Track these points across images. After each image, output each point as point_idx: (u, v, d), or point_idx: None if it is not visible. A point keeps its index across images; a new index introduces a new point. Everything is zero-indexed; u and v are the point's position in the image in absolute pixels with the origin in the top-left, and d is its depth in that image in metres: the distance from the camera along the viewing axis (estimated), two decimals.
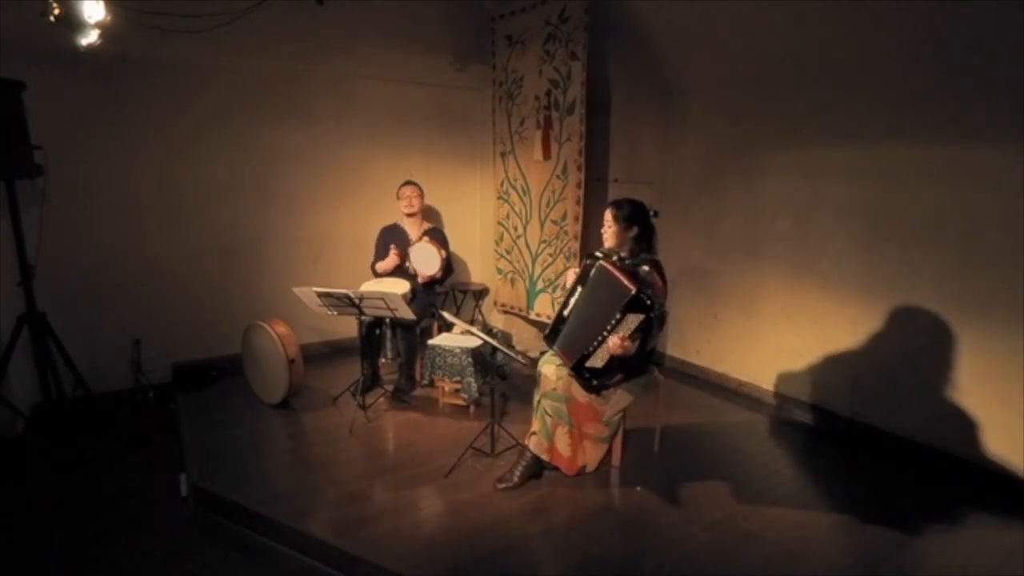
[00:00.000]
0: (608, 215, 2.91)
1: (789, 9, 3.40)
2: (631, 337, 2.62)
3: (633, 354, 2.69)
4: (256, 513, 2.73)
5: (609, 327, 2.64)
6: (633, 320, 2.61)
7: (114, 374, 4.02)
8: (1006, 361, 2.96)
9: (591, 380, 2.79)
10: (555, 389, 2.89)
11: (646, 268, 2.80)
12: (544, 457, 2.96)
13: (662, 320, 2.74)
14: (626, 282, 2.61)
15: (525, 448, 3.01)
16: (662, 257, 2.95)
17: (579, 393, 2.88)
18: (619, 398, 2.92)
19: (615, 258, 2.90)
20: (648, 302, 2.59)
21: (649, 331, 2.67)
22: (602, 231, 2.96)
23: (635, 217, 2.88)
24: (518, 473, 2.95)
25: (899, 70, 3.20)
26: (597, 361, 2.73)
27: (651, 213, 2.97)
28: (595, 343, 2.70)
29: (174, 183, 4.12)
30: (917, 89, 3.16)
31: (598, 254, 2.92)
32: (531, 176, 4.61)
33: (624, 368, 2.80)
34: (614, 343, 2.62)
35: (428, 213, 4.60)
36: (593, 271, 2.83)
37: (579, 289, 2.90)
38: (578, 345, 2.79)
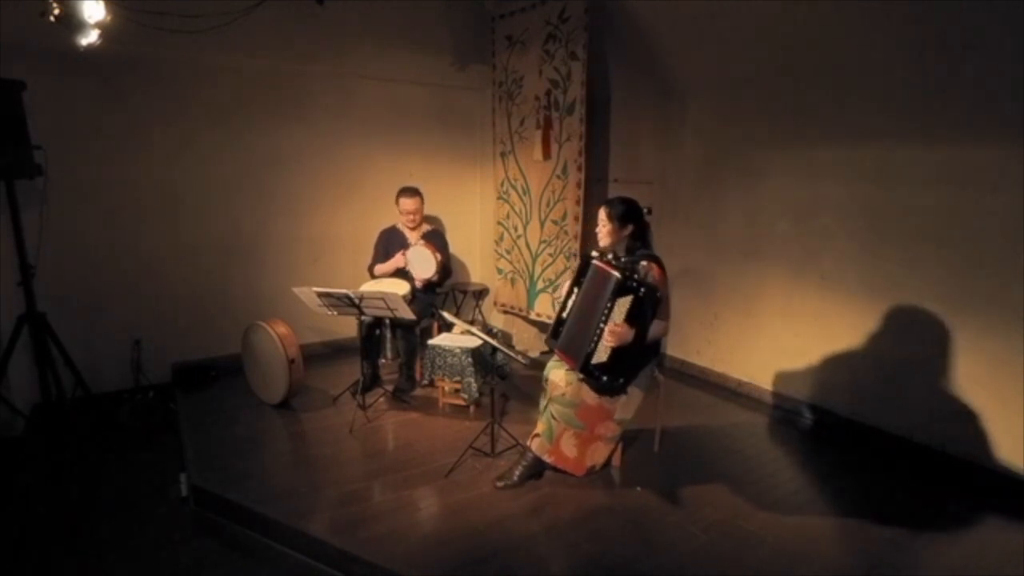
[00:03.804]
0: (602, 214, 2.92)
1: (788, 9, 3.40)
2: (625, 321, 2.63)
3: (634, 344, 2.67)
4: (256, 513, 2.72)
5: (604, 318, 2.65)
6: (623, 303, 2.62)
7: (114, 374, 4.02)
8: (1006, 361, 2.96)
9: (601, 378, 2.75)
10: (564, 395, 2.87)
11: (644, 263, 2.82)
12: (547, 459, 2.96)
13: (655, 303, 2.70)
14: (612, 271, 2.64)
15: (527, 449, 3.01)
16: (660, 255, 2.94)
17: (589, 396, 2.85)
18: (629, 397, 2.91)
19: (610, 257, 2.91)
20: (634, 284, 2.61)
21: (643, 314, 2.66)
22: (596, 230, 2.96)
23: (629, 216, 2.88)
24: (518, 472, 2.95)
25: (899, 70, 3.20)
26: (602, 355, 2.71)
27: (645, 211, 2.97)
28: (594, 338, 2.69)
29: (174, 183, 4.13)
30: (917, 89, 3.16)
31: (593, 254, 2.94)
32: (531, 176, 4.61)
33: (632, 363, 2.77)
34: (609, 330, 2.63)
35: (426, 215, 4.59)
36: (588, 271, 2.86)
37: (575, 290, 2.93)
38: (579, 344, 2.76)
